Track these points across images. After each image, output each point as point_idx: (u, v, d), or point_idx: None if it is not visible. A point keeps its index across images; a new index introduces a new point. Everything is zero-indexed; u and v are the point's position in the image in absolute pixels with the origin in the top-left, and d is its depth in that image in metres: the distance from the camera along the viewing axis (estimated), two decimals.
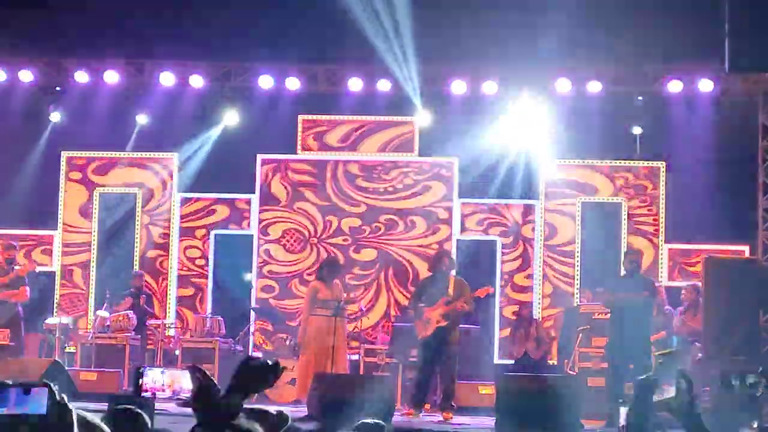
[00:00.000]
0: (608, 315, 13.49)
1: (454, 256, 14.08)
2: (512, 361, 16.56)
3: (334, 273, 14.07)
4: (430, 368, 13.25)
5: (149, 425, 4.85)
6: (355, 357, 15.42)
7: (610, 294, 12.76)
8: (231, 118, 17.59)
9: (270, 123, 17.77)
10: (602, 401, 13.12)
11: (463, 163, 17.62)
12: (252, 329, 17.32)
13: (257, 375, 3.76)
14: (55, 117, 17.69)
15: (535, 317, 16.88)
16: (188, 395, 3.97)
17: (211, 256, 17.96)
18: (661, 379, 3.80)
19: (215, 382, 3.73)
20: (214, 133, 17.73)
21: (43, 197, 18.04)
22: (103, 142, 18.01)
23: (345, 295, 14.18)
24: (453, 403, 13.20)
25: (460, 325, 14.08)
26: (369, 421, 6.48)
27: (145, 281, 17.32)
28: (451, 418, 12.93)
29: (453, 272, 13.61)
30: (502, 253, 17.57)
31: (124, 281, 17.14)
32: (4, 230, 17.51)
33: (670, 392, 3.80)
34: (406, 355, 14.76)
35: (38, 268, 16.81)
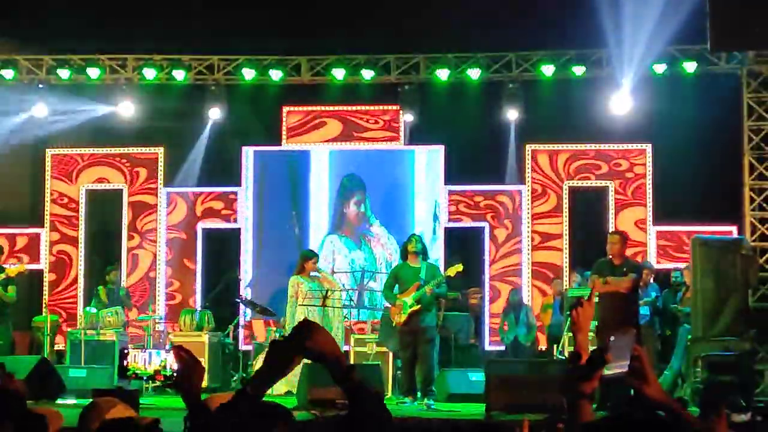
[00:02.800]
0: (596, 299, 13.46)
1: (426, 243, 14.04)
2: (502, 348, 16.56)
3: (306, 263, 14.06)
4: (410, 354, 13.23)
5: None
6: (345, 347, 15.40)
7: (597, 277, 12.72)
8: (215, 111, 17.54)
9: (254, 115, 17.75)
10: None
11: (449, 150, 17.61)
12: (241, 322, 17.28)
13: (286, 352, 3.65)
14: (40, 111, 17.53)
15: (524, 303, 16.87)
16: (173, 375, 3.94)
17: (199, 250, 17.91)
18: (613, 355, 3.77)
19: (200, 362, 3.70)
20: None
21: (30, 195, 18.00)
22: (88, 138, 17.94)
23: (330, 284, 14.21)
24: (432, 389, 13.18)
25: (449, 312, 14.08)
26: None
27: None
28: (432, 404, 12.87)
29: (425, 258, 13.59)
30: (490, 240, 17.55)
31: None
32: None
33: (621, 368, 3.77)
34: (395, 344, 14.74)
35: (27, 266, 16.74)
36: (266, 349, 3.62)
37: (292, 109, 17.95)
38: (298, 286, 13.87)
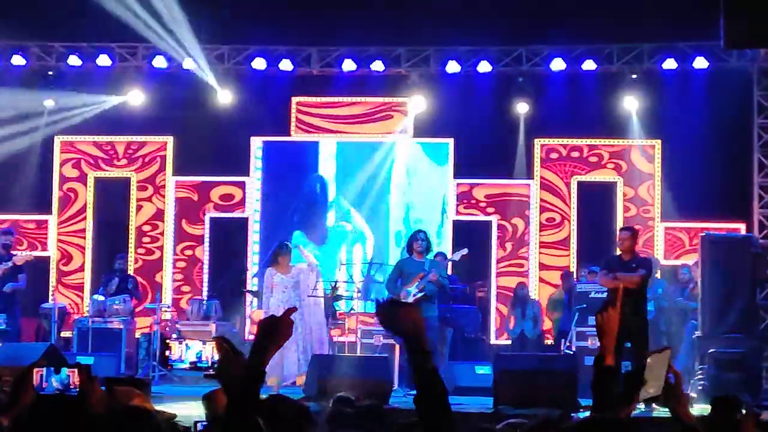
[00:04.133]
0: (605, 294, 13.46)
1: (432, 237, 14.07)
2: (509, 342, 16.57)
3: (280, 256, 13.98)
4: None
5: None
6: (351, 338, 15.41)
7: (606, 273, 12.73)
8: (225, 99, 17.54)
9: (263, 105, 17.75)
10: None
11: (457, 143, 17.61)
12: (248, 312, 17.29)
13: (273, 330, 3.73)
14: (50, 98, 17.58)
15: (531, 297, 16.87)
16: (212, 367, 3.97)
17: (206, 239, 17.92)
18: (649, 376, 3.79)
19: (242, 353, 3.71)
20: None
21: (39, 182, 18.01)
22: (97, 126, 17.93)
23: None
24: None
25: (457, 305, 14.09)
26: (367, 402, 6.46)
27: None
28: None
29: (428, 253, 13.61)
30: (498, 234, 17.56)
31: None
32: (1, 215, 17.52)
33: (657, 389, 3.78)
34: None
35: (34, 253, 16.75)
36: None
37: (301, 99, 17.95)
38: (272, 278, 13.81)
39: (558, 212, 17.53)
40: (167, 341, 8.83)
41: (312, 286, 13.97)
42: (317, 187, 17.93)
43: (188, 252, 17.92)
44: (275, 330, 3.66)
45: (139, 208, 18.00)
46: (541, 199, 17.54)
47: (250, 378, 3.58)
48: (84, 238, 17.97)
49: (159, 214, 17.98)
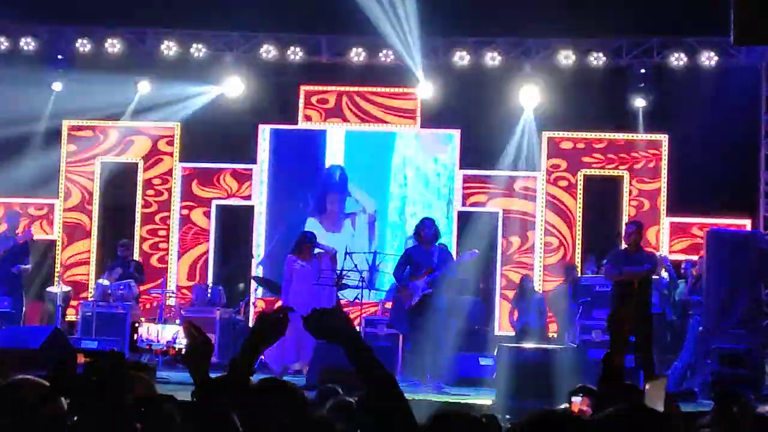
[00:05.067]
0: (609, 288, 13.48)
1: (439, 225, 14.07)
2: (513, 333, 16.58)
3: (304, 245, 14.00)
4: (420, 336, 13.27)
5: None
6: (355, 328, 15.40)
7: (612, 267, 12.75)
8: (234, 87, 17.56)
9: (272, 93, 17.76)
10: None
11: (464, 134, 17.61)
12: (252, 299, 17.31)
13: (268, 326, 3.76)
14: (57, 86, 17.63)
15: (536, 289, 16.88)
16: (183, 348, 4.01)
17: (212, 226, 17.95)
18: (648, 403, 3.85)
19: (209, 339, 3.74)
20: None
21: (45, 166, 18.05)
22: (105, 111, 17.96)
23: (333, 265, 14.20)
24: (443, 371, 13.23)
25: (463, 296, 14.09)
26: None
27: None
28: (442, 386, 12.90)
29: (436, 241, 13.63)
30: (504, 225, 17.56)
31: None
32: (7, 198, 17.56)
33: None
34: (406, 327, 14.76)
35: (39, 236, 16.78)
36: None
37: (310, 88, 17.95)
38: (293, 265, 13.83)
39: (564, 205, 17.50)
40: (135, 324, 8.78)
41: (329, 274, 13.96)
42: (336, 175, 17.90)
43: (194, 238, 17.93)
44: (269, 329, 3.70)
45: (145, 193, 18.00)
46: (547, 192, 17.53)
47: (233, 373, 3.62)
48: (90, 222, 17.98)
49: (166, 200, 17.98)
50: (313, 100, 17.93)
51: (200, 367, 3.71)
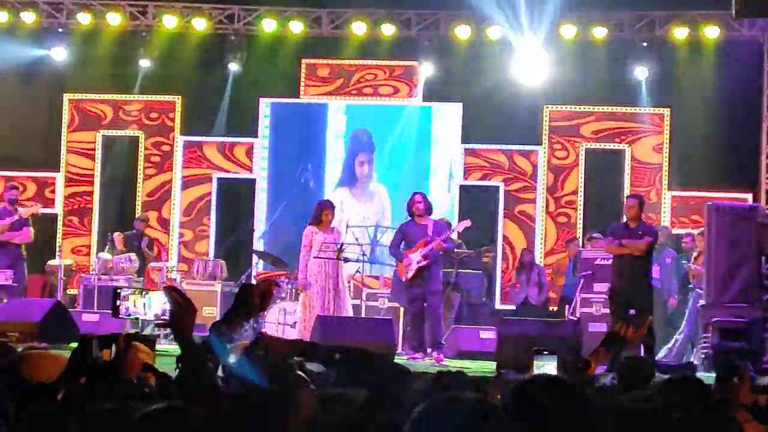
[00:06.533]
0: (610, 261, 13.49)
1: (441, 200, 14.07)
2: (513, 307, 16.61)
3: (323, 214, 13.91)
4: (418, 309, 13.29)
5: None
6: (356, 301, 15.42)
7: (612, 240, 12.76)
8: (234, 61, 17.54)
9: (273, 67, 17.73)
10: None
11: (466, 108, 17.58)
12: (254, 273, 17.33)
13: (253, 294, 3.78)
14: (59, 56, 17.59)
15: (536, 263, 16.89)
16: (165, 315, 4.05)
17: (213, 200, 17.95)
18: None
19: (192, 302, 3.76)
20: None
21: (46, 139, 18.05)
22: (106, 84, 17.95)
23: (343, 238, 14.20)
24: (442, 342, 13.24)
25: (462, 270, 14.10)
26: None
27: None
28: (442, 359, 12.91)
29: (430, 214, 13.62)
30: (505, 199, 17.56)
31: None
32: (7, 172, 17.57)
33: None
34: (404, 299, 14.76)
35: (41, 210, 16.79)
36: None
37: (311, 61, 17.92)
38: (312, 236, 13.77)
39: (565, 179, 17.49)
40: (117, 290, 8.81)
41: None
42: (364, 138, 17.89)
43: (196, 212, 17.95)
44: (249, 309, 3.72)
45: (147, 167, 18.00)
46: (549, 166, 17.52)
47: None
48: (92, 195, 17.99)
49: (167, 174, 17.98)
50: (315, 73, 17.90)
51: (184, 331, 3.72)
